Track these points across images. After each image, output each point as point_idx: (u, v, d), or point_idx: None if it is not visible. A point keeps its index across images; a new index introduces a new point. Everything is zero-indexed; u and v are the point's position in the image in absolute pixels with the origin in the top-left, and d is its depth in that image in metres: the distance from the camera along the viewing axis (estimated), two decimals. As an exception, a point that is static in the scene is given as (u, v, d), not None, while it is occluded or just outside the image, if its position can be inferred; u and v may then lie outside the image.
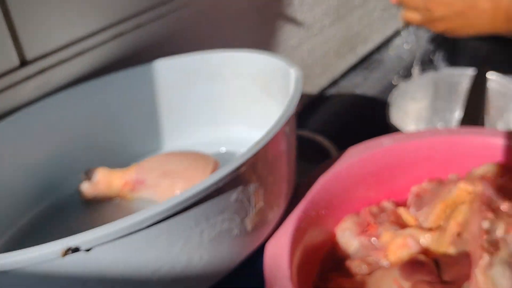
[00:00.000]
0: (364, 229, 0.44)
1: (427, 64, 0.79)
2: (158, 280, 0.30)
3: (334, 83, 0.80)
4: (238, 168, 0.29)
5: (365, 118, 0.74)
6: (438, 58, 0.81)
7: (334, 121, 0.72)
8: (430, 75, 0.74)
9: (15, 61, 0.41)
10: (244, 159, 0.29)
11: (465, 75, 0.74)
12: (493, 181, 0.38)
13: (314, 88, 0.76)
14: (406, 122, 0.77)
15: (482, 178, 0.38)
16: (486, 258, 0.34)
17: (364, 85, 0.79)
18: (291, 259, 0.36)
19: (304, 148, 0.57)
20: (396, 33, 0.89)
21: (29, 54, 0.41)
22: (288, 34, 0.67)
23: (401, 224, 0.45)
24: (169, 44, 0.50)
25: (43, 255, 0.25)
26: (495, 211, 0.38)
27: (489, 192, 0.38)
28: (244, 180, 0.31)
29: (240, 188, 0.31)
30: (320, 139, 0.58)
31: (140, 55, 0.48)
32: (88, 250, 0.26)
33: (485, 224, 0.36)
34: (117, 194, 0.42)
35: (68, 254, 0.25)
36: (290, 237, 0.37)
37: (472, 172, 0.40)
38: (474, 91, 0.68)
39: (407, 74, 0.78)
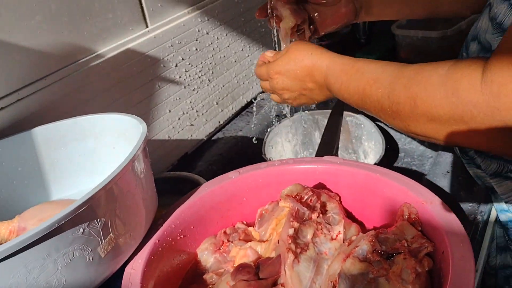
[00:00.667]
0: (219, 247, 0.54)
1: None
2: (21, 304, 0.38)
3: (221, 128, 0.92)
4: (76, 209, 0.38)
5: (246, 155, 0.85)
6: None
7: (219, 160, 0.83)
8: (298, 116, 0.88)
9: None
10: (82, 202, 0.38)
11: (321, 112, 0.89)
12: (301, 197, 0.50)
13: (201, 134, 0.87)
14: (282, 155, 0.89)
15: (287, 196, 0.49)
16: (291, 257, 0.45)
17: (246, 128, 0.91)
18: (144, 278, 0.45)
19: (181, 186, 0.68)
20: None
21: None
22: (168, 91, 0.78)
23: (251, 240, 0.55)
24: (49, 112, 0.59)
25: None
26: (306, 221, 0.50)
27: (298, 206, 0.49)
28: (88, 217, 0.40)
29: (86, 224, 0.40)
30: (196, 177, 0.68)
31: (24, 123, 0.57)
32: None
33: (290, 231, 0.47)
34: (5, 240, 0.49)
35: None
36: (145, 260, 0.47)
37: (281, 192, 0.51)
38: (329, 126, 0.81)
39: (280, 114, 0.92)
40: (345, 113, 0.89)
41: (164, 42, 0.76)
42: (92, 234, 0.41)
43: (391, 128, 0.88)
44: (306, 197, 0.50)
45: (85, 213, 0.39)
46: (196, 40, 0.82)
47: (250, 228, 0.56)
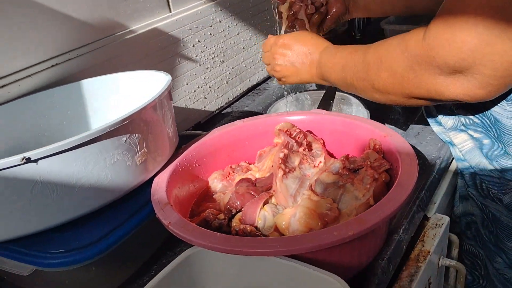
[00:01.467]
0: (225, 177, 0.68)
1: (295, 88, 1.07)
2: (79, 188, 0.51)
3: (230, 104, 1.06)
4: (121, 121, 0.52)
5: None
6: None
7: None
8: (295, 95, 1.02)
9: (-14, 80, 0.63)
10: (124, 117, 0.52)
11: (318, 92, 1.03)
12: (290, 133, 0.63)
13: (213, 107, 1.01)
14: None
15: (280, 130, 0.63)
16: (281, 172, 0.59)
17: (251, 105, 1.05)
18: (168, 186, 0.58)
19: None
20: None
21: (-5, 75, 0.64)
22: (186, 67, 0.93)
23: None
24: (92, 72, 0.74)
25: (10, 162, 0.46)
26: (294, 151, 0.63)
27: (288, 139, 0.63)
28: (129, 130, 0.54)
29: (127, 135, 0.54)
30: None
31: (73, 78, 0.71)
32: (36, 161, 0.47)
33: (281, 155, 0.60)
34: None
35: (24, 162, 0.46)
36: (168, 175, 0.60)
37: (275, 128, 0.65)
38: (325, 96, 0.95)
39: (282, 96, 1.06)
40: (338, 92, 1.03)
41: (184, 25, 0.90)
42: (131, 144, 0.55)
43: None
44: (294, 133, 0.64)
45: (127, 126, 0.53)
46: (211, 26, 0.97)
47: (251, 165, 0.70)
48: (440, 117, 0.74)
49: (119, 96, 0.71)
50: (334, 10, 0.87)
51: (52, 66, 0.69)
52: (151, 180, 0.59)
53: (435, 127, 0.76)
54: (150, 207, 0.57)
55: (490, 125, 0.66)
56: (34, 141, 0.66)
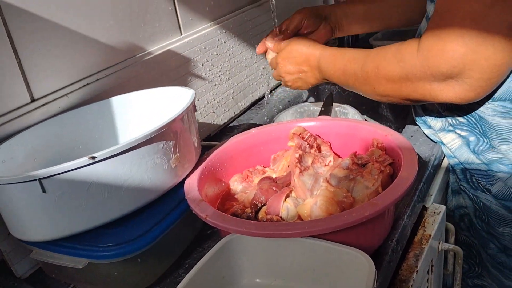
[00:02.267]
0: (245, 179, 0.75)
1: (294, 101, 1.16)
2: (125, 189, 0.58)
3: (236, 118, 1.14)
4: (160, 129, 0.59)
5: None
6: (305, 97, 1.19)
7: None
8: (295, 107, 1.11)
9: (28, 99, 0.70)
10: (162, 125, 0.60)
11: (317, 103, 1.12)
12: (303, 135, 0.72)
13: (221, 121, 1.09)
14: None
15: (294, 134, 0.71)
16: (298, 170, 0.67)
17: (256, 117, 1.13)
18: (199, 186, 0.66)
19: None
20: (277, 85, 1.27)
21: (35, 95, 0.71)
22: (196, 84, 1.01)
23: (267, 176, 0.76)
24: (118, 90, 0.82)
25: (79, 163, 0.53)
26: (307, 152, 0.71)
27: (301, 141, 0.71)
28: (165, 137, 0.61)
29: (164, 141, 0.61)
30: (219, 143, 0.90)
31: (102, 96, 0.79)
32: (99, 161, 0.54)
33: (297, 155, 0.68)
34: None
35: (91, 161, 0.53)
36: (198, 177, 0.68)
37: (289, 132, 0.73)
38: (325, 105, 1.04)
39: (284, 108, 1.15)
40: (334, 104, 1.12)
41: (193, 47, 0.99)
42: (167, 149, 0.62)
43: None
44: (306, 137, 0.72)
45: (164, 133, 0.61)
46: (217, 47, 1.06)
47: (266, 168, 0.78)
48: (429, 120, 0.83)
49: (145, 111, 0.79)
50: (322, 35, 0.98)
51: (84, 86, 0.77)
52: (181, 183, 0.67)
53: (425, 130, 0.86)
54: (183, 205, 0.64)
55: (475, 122, 0.75)
56: (71, 154, 0.73)
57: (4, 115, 0.67)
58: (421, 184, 0.74)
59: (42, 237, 0.58)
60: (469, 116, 0.76)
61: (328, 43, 1.26)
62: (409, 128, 0.93)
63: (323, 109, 1.09)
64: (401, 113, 1.14)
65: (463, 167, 0.81)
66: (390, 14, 0.96)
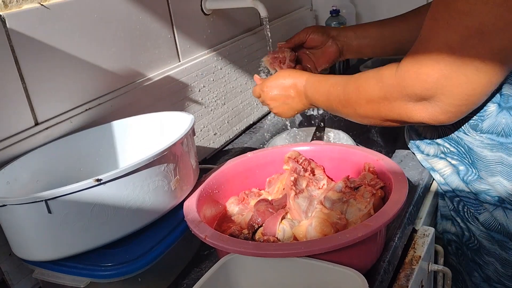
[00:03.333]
0: (241, 201, 0.77)
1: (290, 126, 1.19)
2: (128, 210, 0.60)
3: (230, 142, 1.17)
4: (162, 152, 0.62)
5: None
6: (297, 122, 1.23)
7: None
8: (288, 132, 1.14)
9: (32, 122, 0.72)
10: (163, 149, 0.62)
11: (310, 128, 1.16)
12: (298, 159, 0.75)
13: (216, 145, 1.12)
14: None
15: (289, 158, 0.74)
16: (293, 193, 0.69)
17: (249, 142, 1.16)
18: (197, 208, 0.68)
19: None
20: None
21: (39, 119, 0.73)
22: (193, 109, 1.04)
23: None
24: (119, 113, 0.84)
25: (86, 184, 0.55)
26: (302, 176, 0.74)
27: (296, 165, 0.74)
28: (166, 160, 0.64)
29: (165, 164, 0.64)
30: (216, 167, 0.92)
31: (104, 120, 0.82)
32: (104, 182, 0.56)
33: (292, 178, 0.71)
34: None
35: (97, 182, 0.56)
36: (196, 199, 0.70)
37: (285, 156, 0.76)
38: (317, 130, 1.07)
39: (277, 133, 1.18)
40: (326, 129, 1.16)
41: (191, 73, 1.03)
42: (168, 172, 0.65)
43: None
44: (300, 160, 0.75)
45: (165, 156, 0.63)
46: (213, 73, 1.10)
47: (262, 191, 0.80)
48: (422, 145, 0.86)
49: (145, 135, 0.81)
50: (329, 53, 1.02)
51: (86, 110, 0.80)
52: (180, 205, 0.69)
53: (418, 155, 0.89)
54: (182, 226, 0.67)
55: (465, 152, 0.78)
56: (72, 176, 0.74)
57: (9, 138, 0.69)
58: (411, 207, 0.77)
59: (45, 257, 0.60)
60: (459, 146, 0.79)
61: (321, 72, 1.32)
62: (399, 153, 0.96)
63: (316, 133, 1.12)
64: (390, 138, 1.18)
65: (454, 194, 0.83)
66: (403, 38, 0.98)
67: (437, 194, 0.90)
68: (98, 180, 0.56)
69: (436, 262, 0.82)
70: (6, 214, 0.58)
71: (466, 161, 0.79)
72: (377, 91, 0.70)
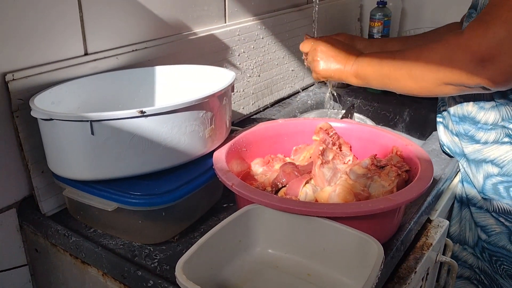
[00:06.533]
0: (266, 163, 0.80)
1: (316, 106, 1.21)
2: (163, 146, 0.63)
3: (259, 111, 1.19)
4: (201, 99, 0.64)
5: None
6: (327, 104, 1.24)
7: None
8: (317, 111, 1.16)
9: (82, 51, 0.75)
10: (204, 96, 0.65)
11: (340, 112, 1.17)
12: (329, 131, 0.76)
13: (246, 111, 1.14)
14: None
15: (321, 128, 0.76)
16: (319, 161, 0.71)
17: (277, 115, 1.18)
18: (226, 159, 0.70)
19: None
20: (302, 88, 1.32)
21: (89, 50, 0.76)
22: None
23: (287, 165, 0.81)
24: (163, 60, 0.86)
25: (130, 113, 0.58)
26: (330, 148, 0.76)
27: (326, 136, 0.76)
28: (204, 108, 0.66)
29: (204, 111, 0.66)
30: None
31: (147, 63, 0.84)
32: (147, 115, 0.59)
33: (320, 147, 0.73)
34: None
35: (140, 114, 0.58)
36: (225, 152, 0.72)
37: (316, 126, 0.78)
38: (346, 114, 1.09)
39: (303, 111, 1.20)
40: (355, 114, 1.17)
41: (234, 36, 1.04)
42: (204, 119, 0.67)
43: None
44: (331, 133, 0.77)
45: (205, 103, 0.66)
46: (254, 41, 1.11)
47: (287, 158, 0.82)
48: (480, 134, 0.83)
49: (185, 85, 0.84)
50: None
51: (133, 51, 0.82)
52: (210, 153, 0.71)
53: (469, 147, 0.85)
54: (209, 174, 0.69)
55: None
56: (110, 110, 0.77)
57: (59, 62, 0.72)
58: (430, 197, 0.78)
59: (80, 176, 0.63)
60: None
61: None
62: (423, 147, 0.97)
63: (344, 116, 1.13)
64: (416, 133, 1.19)
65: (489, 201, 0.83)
66: None
67: (454, 195, 0.91)
68: (141, 112, 0.58)
69: (444, 254, 0.83)
70: (50, 128, 0.61)
71: None
72: (440, 53, 0.71)
